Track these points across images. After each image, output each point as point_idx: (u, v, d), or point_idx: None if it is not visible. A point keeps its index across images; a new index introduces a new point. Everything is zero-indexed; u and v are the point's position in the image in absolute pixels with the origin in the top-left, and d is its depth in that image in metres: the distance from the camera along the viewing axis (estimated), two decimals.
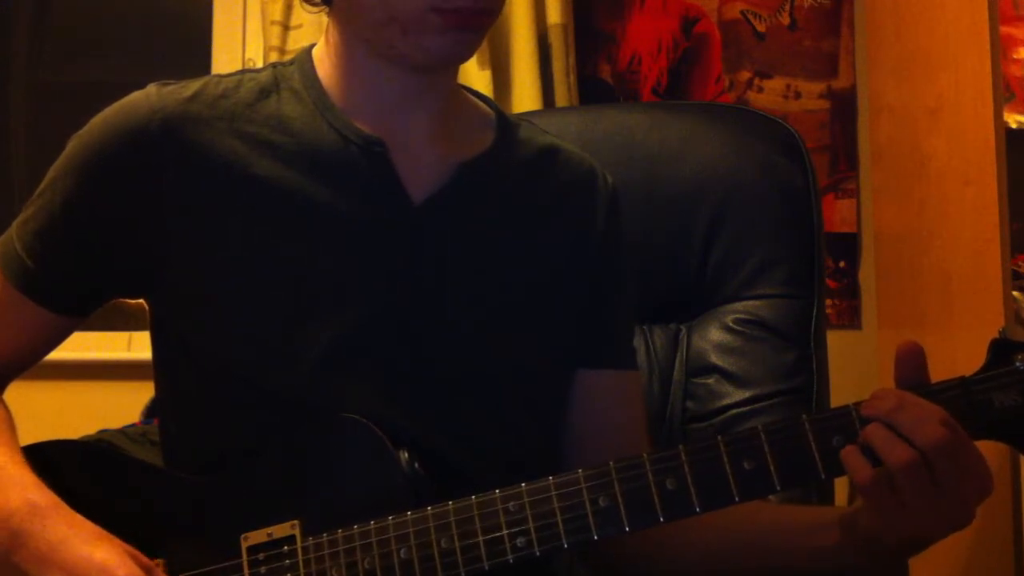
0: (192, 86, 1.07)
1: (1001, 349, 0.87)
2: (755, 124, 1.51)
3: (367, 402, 1.00)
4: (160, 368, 1.11)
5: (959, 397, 0.87)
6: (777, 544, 1.03)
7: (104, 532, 0.93)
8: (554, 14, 2.24)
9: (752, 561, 1.05)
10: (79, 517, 0.95)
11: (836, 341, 1.56)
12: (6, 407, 1.09)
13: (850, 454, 0.87)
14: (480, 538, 0.91)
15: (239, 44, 2.48)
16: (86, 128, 1.06)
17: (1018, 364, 0.86)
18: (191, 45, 2.55)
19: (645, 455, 0.91)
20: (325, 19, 1.11)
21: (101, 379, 2.35)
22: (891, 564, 0.99)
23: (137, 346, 2.39)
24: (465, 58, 1.06)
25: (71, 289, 1.07)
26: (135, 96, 1.06)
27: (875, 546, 0.93)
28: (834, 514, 0.97)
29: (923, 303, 2.10)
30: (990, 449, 0.86)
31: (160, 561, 0.97)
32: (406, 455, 0.97)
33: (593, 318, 1.14)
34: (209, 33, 2.49)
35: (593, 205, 1.16)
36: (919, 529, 0.89)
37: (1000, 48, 1.84)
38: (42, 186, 1.07)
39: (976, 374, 0.88)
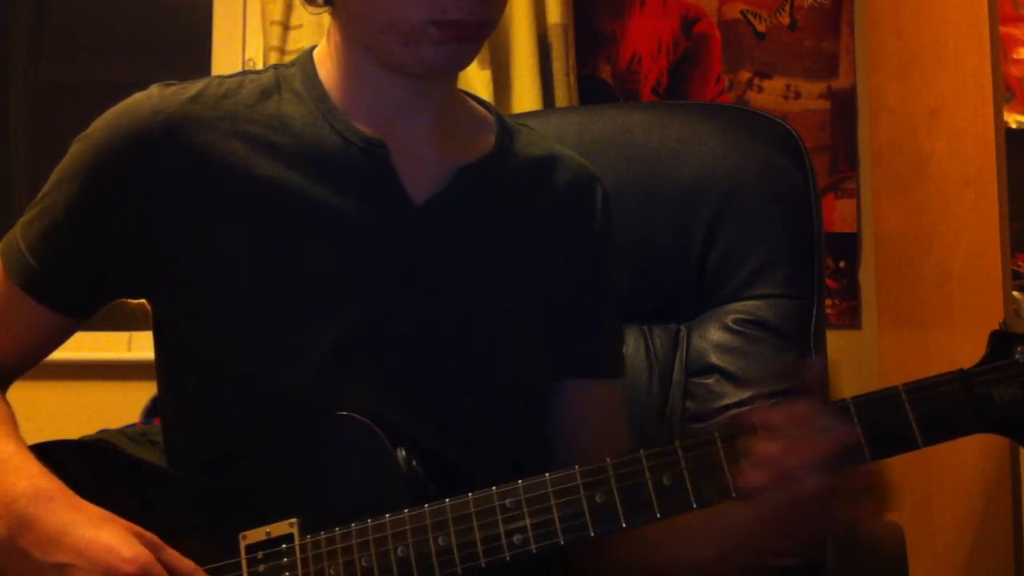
0: (194, 87, 1.07)
1: (1001, 341, 0.86)
2: (755, 124, 1.51)
3: (367, 401, 1.00)
4: (162, 368, 1.12)
5: (958, 390, 0.86)
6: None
7: (110, 514, 0.94)
8: (554, 14, 2.24)
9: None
10: (84, 501, 0.95)
11: (836, 341, 1.56)
12: (8, 404, 1.09)
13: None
14: (477, 535, 0.91)
15: (239, 44, 2.48)
16: (89, 129, 1.07)
17: (1018, 356, 0.85)
18: (191, 45, 2.54)
19: (642, 451, 0.91)
20: (325, 20, 1.11)
21: (101, 379, 2.35)
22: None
23: (137, 346, 2.39)
24: (464, 67, 1.06)
25: (74, 289, 1.08)
26: (137, 97, 1.06)
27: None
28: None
29: (923, 303, 2.09)
30: (990, 443, 0.86)
31: None
32: (404, 453, 0.97)
33: (584, 326, 1.15)
34: (209, 33, 2.49)
35: (591, 212, 1.17)
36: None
37: (1000, 48, 1.84)
38: (46, 187, 1.08)
39: (975, 366, 0.87)
